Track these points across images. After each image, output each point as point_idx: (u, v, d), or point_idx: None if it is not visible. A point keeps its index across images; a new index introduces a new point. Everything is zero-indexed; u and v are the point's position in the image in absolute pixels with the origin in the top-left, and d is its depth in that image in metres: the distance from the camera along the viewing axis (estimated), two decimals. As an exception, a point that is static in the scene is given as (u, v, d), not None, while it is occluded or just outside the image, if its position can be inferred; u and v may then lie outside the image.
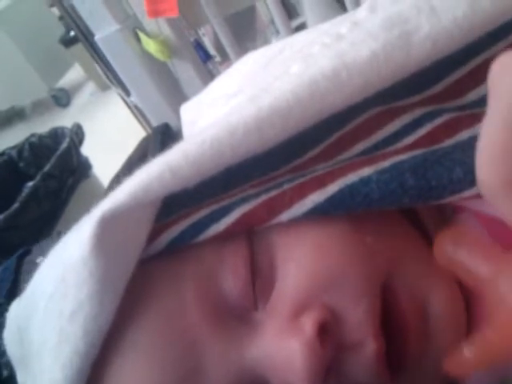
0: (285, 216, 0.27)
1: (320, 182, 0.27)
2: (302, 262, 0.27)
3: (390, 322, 0.26)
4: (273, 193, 0.28)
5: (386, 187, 0.26)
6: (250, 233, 0.28)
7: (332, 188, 0.26)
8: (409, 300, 0.26)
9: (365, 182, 0.26)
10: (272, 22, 1.78)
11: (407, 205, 0.27)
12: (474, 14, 0.24)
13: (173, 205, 0.29)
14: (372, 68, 0.25)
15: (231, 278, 0.27)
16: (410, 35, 0.25)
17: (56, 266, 0.27)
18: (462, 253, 0.22)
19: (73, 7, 1.17)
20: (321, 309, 0.25)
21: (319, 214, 0.27)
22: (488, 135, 0.18)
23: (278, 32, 1.73)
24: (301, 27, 1.78)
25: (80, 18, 1.17)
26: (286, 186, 0.28)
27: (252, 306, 0.27)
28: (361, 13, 0.31)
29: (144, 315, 0.26)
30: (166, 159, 0.26)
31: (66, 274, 0.26)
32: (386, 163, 0.27)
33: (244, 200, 0.28)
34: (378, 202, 0.26)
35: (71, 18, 1.32)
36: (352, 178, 0.26)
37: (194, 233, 0.28)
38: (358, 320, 0.25)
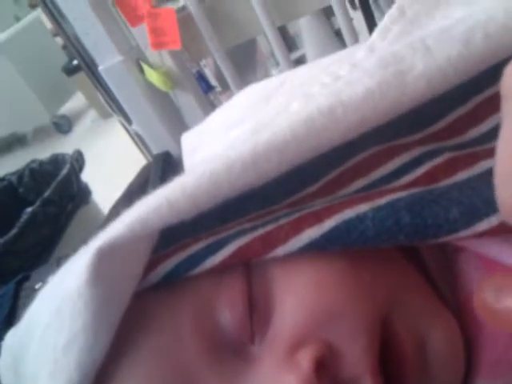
0: (281, 250, 0.27)
1: (317, 218, 0.27)
2: (300, 297, 0.27)
3: (389, 358, 0.26)
4: (269, 227, 0.28)
5: (381, 224, 0.26)
6: (247, 265, 0.28)
7: (329, 224, 0.27)
8: (408, 336, 0.26)
9: (361, 218, 0.26)
10: (272, 54, 1.82)
11: (403, 243, 0.27)
12: (468, 53, 0.25)
13: (170, 236, 0.29)
14: (368, 105, 0.25)
15: (228, 311, 0.27)
16: (404, 74, 0.25)
17: (53, 295, 0.27)
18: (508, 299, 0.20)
19: (76, 37, 1.19)
20: (318, 344, 0.25)
21: (316, 249, 0.27)
22: (501, 149, 0.17)
23: (277, 64, 1.76)
24: (300, 59, 1.81)
25: (83, 47, 1.19)
26: (282, 221, 0.28)
27: (249, 340, 0.27)
28: (359, 53, 0.32)
29: (139, 348, 0.26)
30: (164, 192, 0.26)
31: (62, 304, 0.26)
32: (382, 200, 0.27)
33: (240, 233, 0.28)
34: (374, 238, 0.26)
35: (74, 47, 1.35)
36: (349, 214, 0.27)
37: (190, 265, 0.28)
38: (356, 356, 0.25)
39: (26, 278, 0.67)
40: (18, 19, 3.31)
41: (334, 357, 0.25)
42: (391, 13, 0.33)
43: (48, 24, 3.19)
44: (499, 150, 0.17)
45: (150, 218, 0.25)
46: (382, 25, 0.33)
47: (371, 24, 1.72)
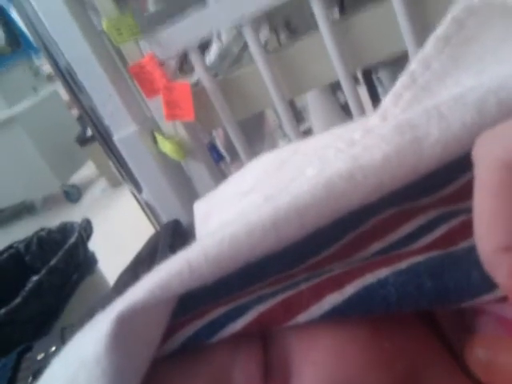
0: (302, 318, 0.26)
1: (337, 283, 0.27)
2: (319, 368, 0.26)
3: None
4: (289, 292, 0.27)
5: (403, 289, 0.25)
6: (265, 334, 0.28)
7: (349, 289, 0.26)
8: None
9: (382, 283, 0.26)
10: (280, 126, 1.87)
11: (425, 308, 0.26)
12: (481, 119, 0.25)
13: (188, 301, 0.29)
14: (385, 170, 0.26)
15: (244, 383, 0.26)
16: (420, 141, 0.26)
17: (68, 363, 0.26)
18: (503, 355, 0.21)
19: (91, 108, 1.24)
20: None
21: (336, 315, 0.26)
22: (477, 205, 0.20)
23: (285, 135, 1.81)
24: (307, 131, 1.86)
25: (98, 118, 1.23)
26: (302, 286, 0.27)
27: None
28: (372, 121, 0.33)
29: None
30: (186, 256, 0.26)
31: (78, 372, 0.25)
32: (402, 265, 0.26)
33: (261, 299, 0.28)
34: (396, 304, 0.26)
35: (90, 118, 1.39)
36: (369, 279, 0.26)
37: (209, 332, 0.27)
38: None
39: (29, 349, 0.65)
40: (35, 90, 3.46)
41: None
42: (403, 79, 0.33)
43: (64, 96, 3.33)
44: (474, 213, 0.20)
45: (171, 282, 0.25)
46: (393, 91, 0.33)
47: (375, 98, 1.78)
